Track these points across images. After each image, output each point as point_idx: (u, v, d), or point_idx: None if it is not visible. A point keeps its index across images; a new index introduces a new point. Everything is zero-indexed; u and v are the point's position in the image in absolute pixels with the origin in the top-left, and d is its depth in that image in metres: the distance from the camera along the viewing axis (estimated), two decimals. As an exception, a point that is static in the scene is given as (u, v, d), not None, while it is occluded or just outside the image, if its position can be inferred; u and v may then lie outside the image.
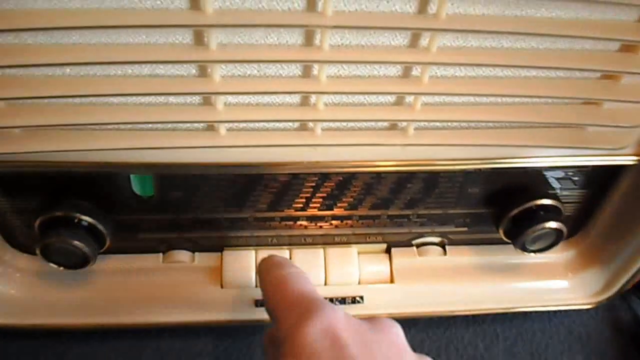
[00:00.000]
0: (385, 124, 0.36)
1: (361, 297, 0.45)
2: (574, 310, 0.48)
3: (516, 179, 0.42)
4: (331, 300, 0.44)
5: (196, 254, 0.45)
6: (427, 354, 0.43)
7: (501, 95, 0.35)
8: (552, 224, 0.41)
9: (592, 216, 0.46)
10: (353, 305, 0.45)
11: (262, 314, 0.42)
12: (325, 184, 0.41)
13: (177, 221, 0.43)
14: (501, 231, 0.44)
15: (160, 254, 0.45)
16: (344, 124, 0.36)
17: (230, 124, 0.35)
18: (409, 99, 0.35)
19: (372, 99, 0.35)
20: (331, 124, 0.36)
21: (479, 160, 0.38)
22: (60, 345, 0.45)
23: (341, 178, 0.40)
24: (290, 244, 0.45)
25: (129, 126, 0.34)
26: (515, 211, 0.42)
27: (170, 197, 0.40)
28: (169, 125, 0.35)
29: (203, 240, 0.44)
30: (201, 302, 0.44)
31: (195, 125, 0.35)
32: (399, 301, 0.45)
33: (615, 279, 0.47)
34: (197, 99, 0.34)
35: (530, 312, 0.48)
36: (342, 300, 0.45)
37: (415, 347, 0.46)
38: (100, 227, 0.39)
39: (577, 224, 0.47)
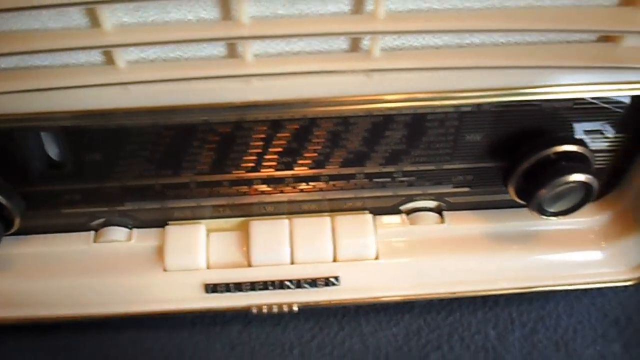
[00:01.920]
0: (342, 43, 0.29)
1: (336, 278, 0.39)
2: (608, 288, 0.43)
3: (529, 120, 0.35)
4: (299, 282, 0.38)
5: (135, 230, 0.40)
6: (426, 346, 0.37)
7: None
8: (578, 177, 0.34)
9: (630, 169, 0.40)
10: (327, 289, 0.39)
11: (214, 302, 0.39)
12: (278, 134, 0.35)
13: (103, 190, 0.37)
14: (511, 189, 0.37)
15: (92, 232, 0.40)
16: (282, 44, 0.29)
17: (126, 52, 0.28)
18: (370, 5, 0.27)
19: (319, 7, 0.27)
20: (265, 46, 0.29)
21: (478, 92, 0.31)
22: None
23: (297, 126, 0.34)
24: (247, 215, 0.40)
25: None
26: (528, 162, 0.35)
27: (87, 160, 0.35)
28: (57, 60, 0.29)
29: (140, 213, 0.39)
30: (141, 289, 0.39)
31: (90, 59, 0.29)
32: (386, 282, 0.40)
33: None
34: (78, 16, 0.26)
35: (554, 292, 0.43)
36: (313, 283, 0.39)
37: (411, 337, 0.41)
38: (5, 202, 0.34)
39: (611, 180, 0.41)
